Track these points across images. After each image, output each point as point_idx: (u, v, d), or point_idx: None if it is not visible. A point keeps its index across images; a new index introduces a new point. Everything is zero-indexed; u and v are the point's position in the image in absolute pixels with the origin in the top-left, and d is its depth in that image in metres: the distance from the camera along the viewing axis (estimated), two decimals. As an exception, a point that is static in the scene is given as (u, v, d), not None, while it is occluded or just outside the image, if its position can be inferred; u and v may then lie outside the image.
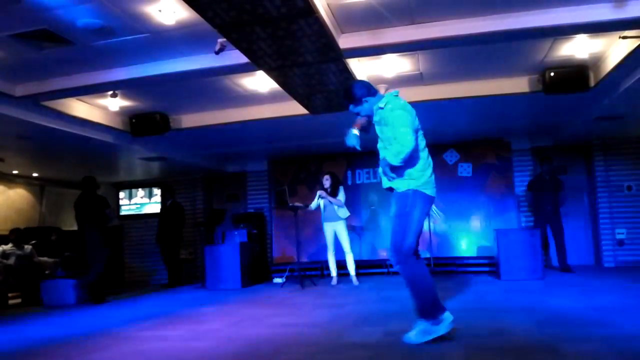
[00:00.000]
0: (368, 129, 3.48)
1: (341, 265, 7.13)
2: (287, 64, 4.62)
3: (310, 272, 7.88)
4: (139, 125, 6.56)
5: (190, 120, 6.84)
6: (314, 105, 5.93)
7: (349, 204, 7.08)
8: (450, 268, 7.95)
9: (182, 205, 9.05)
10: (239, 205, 10.13)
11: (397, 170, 3.23)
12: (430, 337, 3.08)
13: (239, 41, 4.08)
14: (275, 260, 9.10)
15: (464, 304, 4.80)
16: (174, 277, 8.54)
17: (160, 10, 3.81)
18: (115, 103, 5.89)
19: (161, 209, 9.05)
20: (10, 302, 7.18)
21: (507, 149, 8.56)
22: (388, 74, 5.47)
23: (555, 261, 7.57)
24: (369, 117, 3.44)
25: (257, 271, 8.15)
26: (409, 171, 3.24)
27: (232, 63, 4.67)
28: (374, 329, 3.70)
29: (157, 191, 10.43)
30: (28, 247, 7.63)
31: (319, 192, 7.00)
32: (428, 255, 7.84)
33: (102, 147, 7.10)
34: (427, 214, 3.39)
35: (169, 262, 8.65)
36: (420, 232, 3.23)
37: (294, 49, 4.28)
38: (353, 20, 4.21)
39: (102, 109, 6.29)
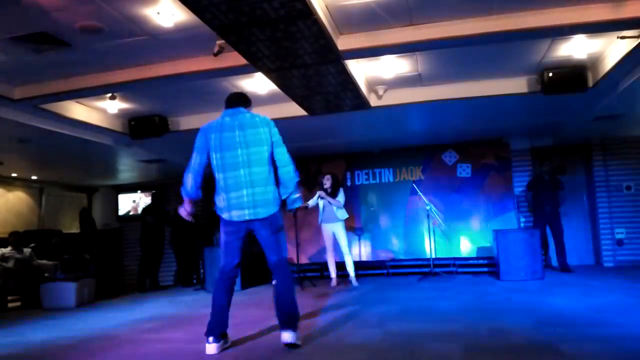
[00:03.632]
0: None
1: (341, 266, 7.13)
2: (286, 65, 4.62)
3: (310, 274, 7.88)
4: (138, 127, 6.56)
5: (189, 122, 6.83)
6: (312, 106, 5.94)
7: (348, 205, 7.08)
8: (450, 269, 7.95)
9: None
10: (238, 207, 10.09)
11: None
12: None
13: (237, 43, 4.08)
14: (275, 262, 9.08)
15: (463, 305, 4.80)
16: (192, 277, 8.93)
17: (158, 13, 3.81)
18: (114, 105, 5.89)
19: (172, 215, 9.05)
20: (10, 305, 7.16)
21: (506, 150, 8.57)
22: (387, 75, 5.48)
23: (554, 261, 7.57)
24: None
25: (256, 273, 8.14)
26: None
27: (230, 65, 4.67)
28: (374, 330, 3.70)
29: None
30: (27, 250, 7.62)
31: (318, 193, 7.00)
32: (428, 257, 7.85)
33: (101, 149, 7.10)
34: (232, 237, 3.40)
35: (189, 263, 8.97)
36: (228, 253, 3.35)
37: (292, 51, 4.28)
38: (351, 21, 4.21)
39: (101, 112, 6.28)
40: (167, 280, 9.71)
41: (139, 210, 9.83)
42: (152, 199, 9.15)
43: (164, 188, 10.35)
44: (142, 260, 8.76)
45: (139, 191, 10.58)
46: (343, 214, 6.92)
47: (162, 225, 8.92)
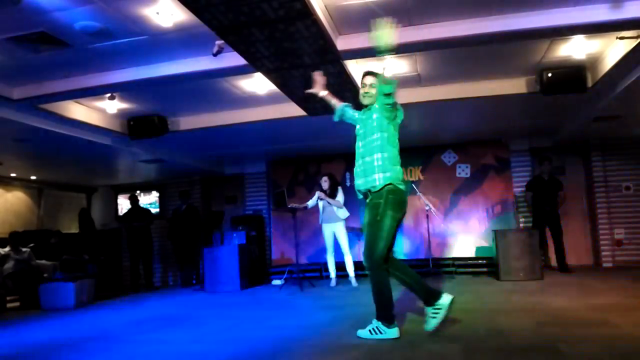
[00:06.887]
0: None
1: (340, 266, 7.12)
2: (285, 66, 4.62)
3: (309, 274, 7.87)
4: (137, 127, 6.56)
5: (188, 122, 6.84)
6: (312, 107, 5.94)
7: (347, 205, 7.08)
8: (449, 269, 7.94)
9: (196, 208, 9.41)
10: (237, 207, 10.12)
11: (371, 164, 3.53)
12: (379, 337, 3.31)
13: (236, 43, 4.08)
14: (274, 262, 9.09)
15: (463, 305, 4.79)
16: (192, 278, 8.89)
17: (158, 13, 3.81)
18: (113, 105, 5.89)
19: (174, 213, 9.16)
20: (9, 305, 7.15)
21: (505, 150, 8.58)
22: (386, 76, 5.47)
23: (554, 261, 7.57)
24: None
25: (255, 273, 8.14)
26: (385, 160, 3.56)
27: (230, 65, 4.67)
28: (373, 331, 3.68)
29: (155, 193, 10.45)
30: (26, 250, 7.61)
31: (317, 193, 7.00)
32: (427, 257, 7.84)
33: (100, 149, 7.10)
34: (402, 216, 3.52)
35: (188, 263, 8.93)
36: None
37: (291, 51, 4.28)
38: (351, 21, 4.21)
39: (100, 112, 6.28)
40: (157, 282, 9.76)
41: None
42: (131, 202, 9.10)
43: (163, 188, 10.38)
44: (132, 263, 8.93)
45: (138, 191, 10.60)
46: (344, 213, 6.93)
47: (148, 227, 8.96)
